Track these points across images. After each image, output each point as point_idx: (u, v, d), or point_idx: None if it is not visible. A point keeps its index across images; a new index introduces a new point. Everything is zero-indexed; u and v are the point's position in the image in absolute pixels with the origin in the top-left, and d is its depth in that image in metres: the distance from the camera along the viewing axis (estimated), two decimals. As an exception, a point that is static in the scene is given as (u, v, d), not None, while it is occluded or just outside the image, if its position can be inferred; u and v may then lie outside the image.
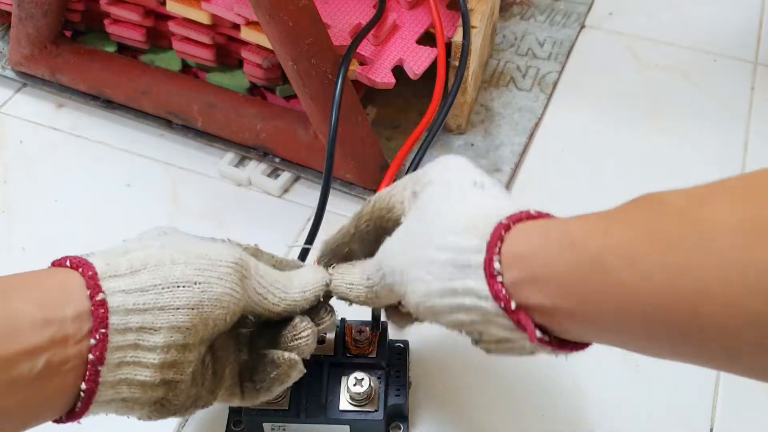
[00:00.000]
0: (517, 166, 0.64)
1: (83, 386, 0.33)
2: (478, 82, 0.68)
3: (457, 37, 0.60)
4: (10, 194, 0.62)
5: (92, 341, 0.33)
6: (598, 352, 0.52)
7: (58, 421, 0.35)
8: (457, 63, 0.61)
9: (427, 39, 0.63)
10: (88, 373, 0.33)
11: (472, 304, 0.33)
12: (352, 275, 0.42)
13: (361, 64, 0.60)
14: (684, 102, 0.70)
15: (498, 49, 0.74)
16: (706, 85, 0.71)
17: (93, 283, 0.34)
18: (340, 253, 0.45)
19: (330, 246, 0.45)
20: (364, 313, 0.48)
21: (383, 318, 0.47)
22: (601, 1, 0.80)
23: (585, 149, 0.66)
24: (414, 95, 0.67)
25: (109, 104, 0.67)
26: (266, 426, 0.46)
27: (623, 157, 0.65)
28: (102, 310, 0.34)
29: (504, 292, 0.32)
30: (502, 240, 0.33)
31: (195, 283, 0.36)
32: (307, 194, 0.62)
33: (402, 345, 0.49)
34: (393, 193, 0.41)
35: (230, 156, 0.64)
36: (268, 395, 0.42)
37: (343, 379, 0.46)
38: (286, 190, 0.62)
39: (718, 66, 0.73)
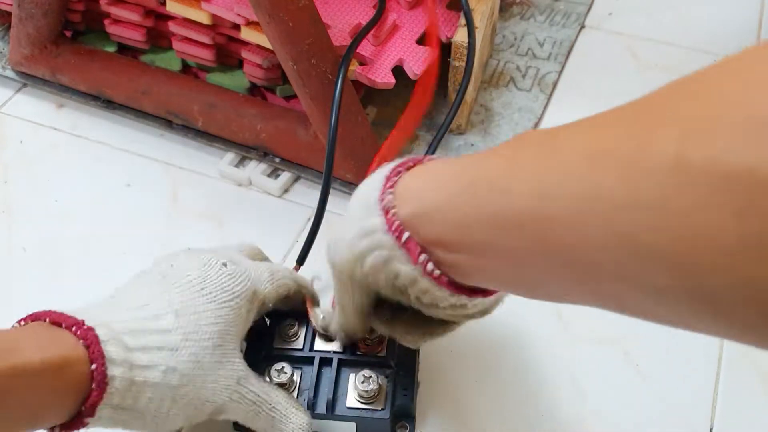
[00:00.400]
0: (517, 166, 0.64)
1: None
2: (477, 83, 0.68)
3: (458, 37, 0.60)
4: (10, 194, 0.62)
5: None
6: (598, 353, 0.52)
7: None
8: (457, 63, 0.61)
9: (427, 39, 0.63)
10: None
11: (377, 239, 0.35)
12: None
13: (361, 64, 0.60)
14: (684, 102, 0.70)
15: (498, 49, 0.74)
16: (706, 85, 0.71)
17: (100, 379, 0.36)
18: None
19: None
20: None
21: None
22: (600, 1, 0.80)
23: (585, 149, 0.66)
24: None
25: (110, 104, 0.67)
26: None
27: (623, 157, 0.65)
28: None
29: (396, 224, 0.34)
30: (396, 179, 0.36)
31: (208, 401, 0.40)
32: (308, 194, 0.62)
33: None
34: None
35: (230, 156, 0.64)
36: None
37: (352, 376, 0.46)
38: (286, 190, 0.62)
39: (717, 66, 0.73)
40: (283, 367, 0.46)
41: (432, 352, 0.52)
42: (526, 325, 0.54)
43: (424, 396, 0.50)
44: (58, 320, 0.38)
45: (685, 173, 0.22)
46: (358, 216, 0.37)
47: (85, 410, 0.36)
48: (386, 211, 0.35)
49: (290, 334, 0.48)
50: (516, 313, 0.54)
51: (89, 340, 0.36)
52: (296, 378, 0.46)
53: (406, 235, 0.34)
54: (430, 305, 0.37)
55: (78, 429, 0.36)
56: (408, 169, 0.36)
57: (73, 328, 0.37)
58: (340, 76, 0.54)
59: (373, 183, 0.37)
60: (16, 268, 0.57)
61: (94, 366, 0.35)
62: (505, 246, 0.30)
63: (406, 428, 0.47)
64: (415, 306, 0.38)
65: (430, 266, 0.34)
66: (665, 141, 0.23)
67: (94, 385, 0.35)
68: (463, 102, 0.63)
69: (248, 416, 0.42)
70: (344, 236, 0.38)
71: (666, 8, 0.79)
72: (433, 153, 0.59)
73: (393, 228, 0.35)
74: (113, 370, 0.36)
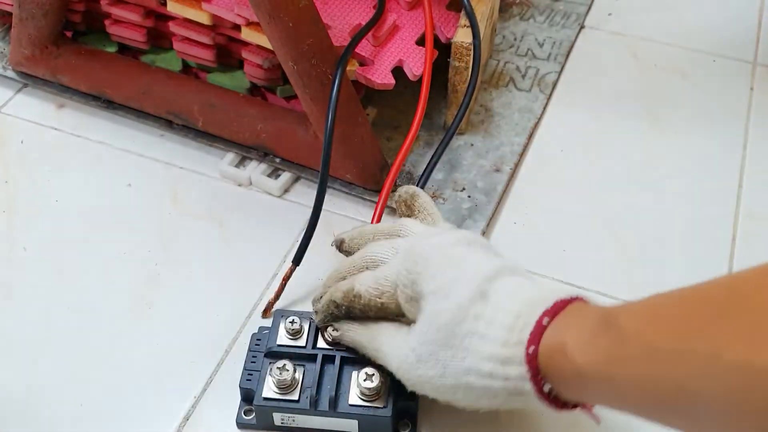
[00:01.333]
0: (517, 166, 0.64)
1: None
2: (477, 83, 0.68)
3: (458, 38, 0.60)
4: (11, 194, 0.62)
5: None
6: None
7: None
8: (457, 63, 0.61)
9: (427, 39, 0.63)
10: None
11: (530, 403, 0.39)
12: (362, 336, 0.47)
13: (361, 64, 0.60)
14: (683, 102, 0.70)
15: (497, 49, 0.74)
16: (706, 86, 0.71)
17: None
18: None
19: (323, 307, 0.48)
20: None
21: None
22: (600, 1, 0.80)
23: (585, 149, 0.66)
24: (414, 96, 0.67)
25: (110, 104, 0.67)
26: (276, 416, 0.47)
27: (623, 157, 0.65)
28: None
29: (557, 401, 0.39)
30: (537, 370, 0.38)
31: None
32: (308, 194, 0.62)
33: None
34: (383, 292, 0.45)
35: (231, 156, 0.64)
36: None
37: (354, 374, 0.46)
38: (286, 190, 0.62)
39: (717, 66, 0.74)
40: (285, 365, 0.46)
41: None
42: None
43: (426, 396, 0.50)
44: None
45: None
46: (498, 390, 0.39)
47: None
48: (540, 391, 0.38)
49: (293, 332, 0.48)
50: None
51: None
52: (298, 375, 0.47)
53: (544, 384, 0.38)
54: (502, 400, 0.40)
55: None
56: (536, 344, 0.38)
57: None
58: (338, 75, 0.54)
59: (506, 367, 0.39)
60: (16, 267, 0.57)
61: None
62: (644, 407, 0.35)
63: (408, 426, 0.47)
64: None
65: (550, 391, 0.38)
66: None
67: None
68: (462, 102, 0.63)
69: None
70: (475, 400, 0.41)
71: (666, 8, 0.79)
72: (438, 158, 0.59)
73: (536, 382, 0.38)
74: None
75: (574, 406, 0.39)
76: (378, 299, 0.45)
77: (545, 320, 0.38)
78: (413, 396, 0.46)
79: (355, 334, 0.46)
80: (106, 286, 0.56)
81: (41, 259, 0.58)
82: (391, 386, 0.46)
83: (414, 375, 0.42)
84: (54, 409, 0.49)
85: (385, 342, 0.44)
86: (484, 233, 0.59)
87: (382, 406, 0.46)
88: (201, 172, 0.64)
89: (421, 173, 0.59)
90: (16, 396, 0.50)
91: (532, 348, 0.37)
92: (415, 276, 0.42)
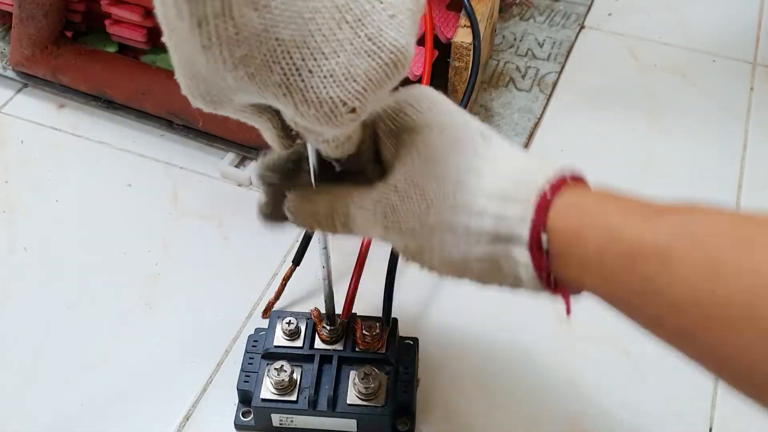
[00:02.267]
0: (517, 166, 0.64)
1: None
2: (477, 83, 0.68)
3: (458, 38, 0.60)
4: (11, 194, 0.62)
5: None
6: (598, 352, 0.52)
7: None
8: (457, 63, 0.61)
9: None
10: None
11: (511, 271, 0.33)
12: (319, 205, 0.38)
13: (362, 64, 0.60)
14: (683, 102, 0.70)
15: (497, 49, 0.74)
16: (706, 86, 0.71)
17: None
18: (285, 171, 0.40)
19: (271, 162, 0.40)
20: (376, 309, 0.49)
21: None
22: (600, 1, 0.80)
23: (584, 149, 0.66)
24: (414, 96, 0.67)
25: (110, 105, 0.67)
26: (274, 417, 0.47)
27: (623, 157, 0.65)
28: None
29: (548, 266, 0.32)
30: (546, 212, 0.32)
31: None
32: (308, 194, 0.62)
33: (411, 342, 0.50)
34: (348, 131, 0.35)
35: (231, 156, 0.64)
36: None
37: (352, 374, 0.47)
38: (286, 190, 0.62)
39: (717, 66, 0.74)
40: (282, 366, 0.46)
41: (432, 350, 0.52)
42: (526, 324, 0.54)
43: (424, 394, 0.50)
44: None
45: None
46: (487, 240, 0.33)
47: None
48: (538, 248, 0.32)
49: (290, 333, 0.48)
50: (516, 312, 0.54)
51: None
52: (296, 376, 0.47)
53: (553, 279, 0.32)
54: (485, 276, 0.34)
55: None
56: (548, 199, 0.32)
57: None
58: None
59: (507, 201, 0.33)
60: (16, 267, 0.57)
61: None
62: (656, 309, 0.30)
63: (407, 425, 0.47)
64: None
65: (547, 251, 0.32)
66: None
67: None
68: (461, 102, 0.63)
69: None
70: (465, 251, 0.33)
71: (666, 8, 0.79)
72: None
73: (542, 269, 0.32)
74: None
75: (560, 290, 0.33)
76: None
77: (568, 179, 0.33)
78: (411, 394, 0.47)
79: (310, 203, 0.38)
80: (106, 287, 0.56)
81: (41, 259, 0.58)
82: (390, 385, 0.46)
83: (396, 220, 0.35)
84: (54, 409, 0.49)
85: (356, 197, 0.37)
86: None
87: (380, 404, 0.46)
88: (201, 172, 0.64)
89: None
90: (16, 396, 0.50)
91: (548, 194, 0.32)
92: (405, 106, 0.36)
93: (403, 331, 0.51)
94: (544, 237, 0.32)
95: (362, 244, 0.51)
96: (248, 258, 0.57)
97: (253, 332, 0.50)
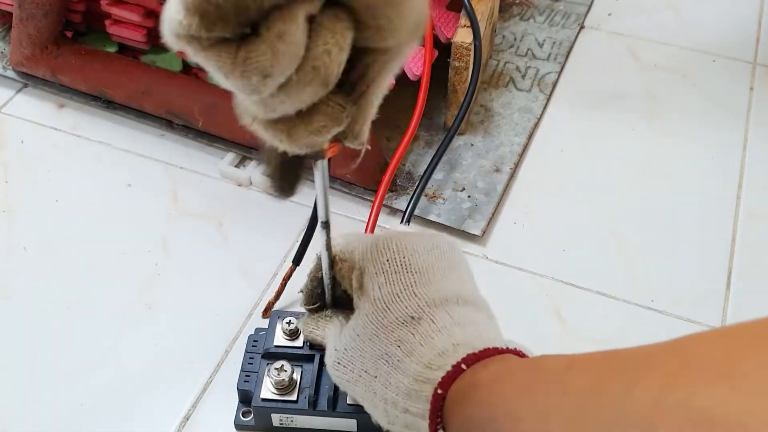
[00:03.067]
0: (517, 166, 0.64)
1: None
2: (478, 83, 0.68)
3: (458, 38, 0.60)
4: (11, 194, 0.62)
5: None
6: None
7: None
8: (457, 63, 0.61)
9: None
10: None
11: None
12: (318, 335, 0.46)
13: (361, 64, 0.60)
14: (683, 102, 0.70)
15: (497, 49, 0.74)
16: (706, 86, 0.71)
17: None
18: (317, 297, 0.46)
19: (306, 295, 0.46)
20: None
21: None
22: (600, 1, 0.80)
23: (584, 149, 0.66)
24: (414, 96, 0.67)
25: (110, 104, 0.67)
26: (274, 417, 0.47)
27: (623, 157, 0.65)
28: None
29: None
30: (440, 414, 0.36)
31: None
32: (308, 194, 0.62)
33: None
34: (344, 268, 0.43)
35: (231, 156, 0.64)
36: None
37: None
38: (286, 190, 0.62)
39: (717, 66, 0.74)
40: (282, 366, 0.46)
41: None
42: (526, 325, 0.54)
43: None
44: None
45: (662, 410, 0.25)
46: (401, 424, 0.38)
47: None
48: (434, 406, 0.36)
49: (290, 333, 0.48)
50: (515, 313, 0.54)
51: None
52: (296, 376, 0.47)
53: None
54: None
55: None
56: (442, 399, 0.36)
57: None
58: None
59: (411, 399, 0.37)
60: (16, 267, 0.57)
61: None
62: None
63: None
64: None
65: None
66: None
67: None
68: (462, 102, 0.63)
69: None
70: (386, 420, 0.39)
71: (665, 9, 0.79)
72: (439, 159, 0.59)
73: (432, 422, 0.36)
74: None
75: None
76: (340, 261, 0.43)
77: (463, 366, 0.36)
78: None
79: (314, 328, 0.46)
80: (106, 287, 0.56)
81: (41, 259, 0.58)
82: None
83: (334, 372, 0.41)
84: (54, 409, 0.49)
85: (329, 333, 0.44)
86: (484, 233, 0.59)
87: None
88: (201, 172, 0.64)
89: (421, 173, 0.59)
90: (16, 396, 0.50)
91: (440, 390, 0.36)
92: (374, 254, 0.41)
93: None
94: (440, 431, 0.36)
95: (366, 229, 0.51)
96: (248, 258, 0.57)
97: (253, 332, 0.50)
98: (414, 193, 0.57)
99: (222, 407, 0.49)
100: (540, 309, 0.55)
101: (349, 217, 0.60)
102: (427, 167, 0.59)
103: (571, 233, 0.60)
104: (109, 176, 0.63)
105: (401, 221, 0.56)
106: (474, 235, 0.58)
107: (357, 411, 0.45)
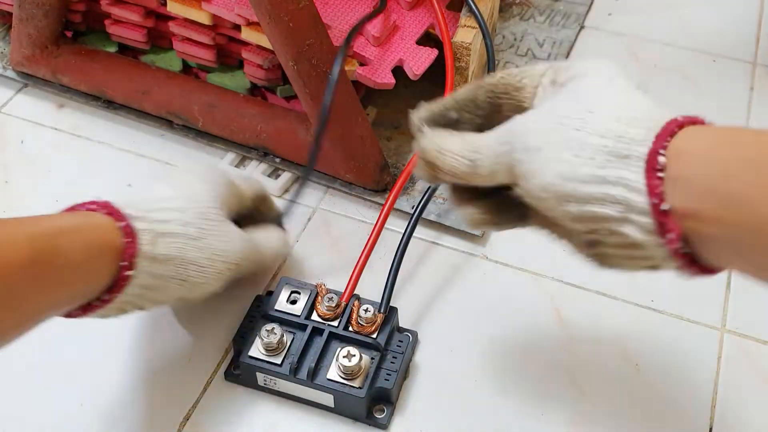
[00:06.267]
0: (517, 166, 0.64)
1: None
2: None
3: (458, 37, 0.60)
4: (11, 194, 0.62)
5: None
6: (597, 352, 0.52)
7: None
8: (457, 63, 0.61)
9: (427, 40, 0.63)
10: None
11: (619, 196, 0.32)
12: (451, 143, 0.39)
13: (361, 64, 0.60)
14: (683, 102, 0.70)
15: (498, 49, 0.74)
16: (706, 86, 0.71)
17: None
18: (442, 120, 0.41)
19: (436, 109, 0.41)
20: (379, 294, 0.50)
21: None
22: (600, 1, 0.80)
23: (584, 149, 0.66)
24: (414, 96, 0.67)
25: (110, 105, 0.67)
26: (259, 376, 0.49)
27: (623, 157, 0.65)
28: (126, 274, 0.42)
29: (661, 188, 0.31)
30: (672, 136, 0.32)
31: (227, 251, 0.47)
32: (308, 194, 0.62)
33: (409, 335, 0.50)
34: (526, 74, 0.39)
35: (231, 156, 0.64)
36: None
37: (338, 351, 0.48)
38: (286, 190, 0.62)
39: (717, 66, 0.74)
40: (273, 328, 0.48)
41: (431, 348, 0.52)
42: (526, 324, 0.54)
43: (420, 391, 0.50)
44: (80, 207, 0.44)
45: None
46: (601, 160, 0.33)
47: (124, 263, 0.41)
48: (653, 169, 0.31)
49: (292, 301, 0.50)
50: (515, 313, 0.54)
51: (110, 209, 0.43)
52: (286, 340, 0.48)
53: (666, 204, 0.31)
54: (609, 245, 0.34)
55: (121, 288, 0.41)
56: (678, 127, 0.32)
57: (93, 206, 0.43)
58: (339, 59, 0.54)
59: (632, 128, 0.33)
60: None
61: (122, 224, 0.42)
62: None
63: (383, 412, 0.48)
64: (578, 239, 0.36)
65: (680, 246, 0.31)
66: None
67: (127, 239, 0.42)
68: (463, 102, 0.63)
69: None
70: (574, 168, 0.33)
71: (666, 8, 0.79)
72: None
73: (655, 192, 0.31)
74: (138, 224, 0.43)
75: (673, 227, 0.31)
76: (521, 78, 0.39)
77: (666, 140, 0.32)
78: (393, 383, 0.47)
79: (448, 142, 0.40)
80: (106, 286, 0.56)
81: (41, 259, 0.58)
82: (372, 370, 0.47)
83: (520, 141, 0.36)
84: (53, 410, 0.49)
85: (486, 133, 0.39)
86: (484, 233, 0.59)
87: (358, 386, 0.47)
88: (201, 172, 0.64)
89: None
90: (16, 396, 0.50)
91: (676, 123, 0.32)
92: (565, 68, 0.38)
93: (406, 323, 0.52)
94: (661, 156, 0.31)
95: (373, 230, 0.52)
96: (248, 258, 0.57)
97: (263, 293, 0.53)
98: (425, 193, 0.56)
99: (223, 407, 0.49)
100: (540, 309, 0.55)
101: (349, 217, 0.60)
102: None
103: (571, 233, 0.60)
104: (109, 176, 0.63)
105: (410, 220, 0.55)
106: (474, 235, 0.58)
107: (334, 387, 0.47)
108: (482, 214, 0.41)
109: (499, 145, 0.38)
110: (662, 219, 0.31)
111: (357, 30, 0.59)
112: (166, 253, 0.43)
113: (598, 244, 0.34)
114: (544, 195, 0.35)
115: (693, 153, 0.31)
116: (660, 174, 0.31)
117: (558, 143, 0.34)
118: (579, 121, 0.34)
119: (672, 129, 0.32)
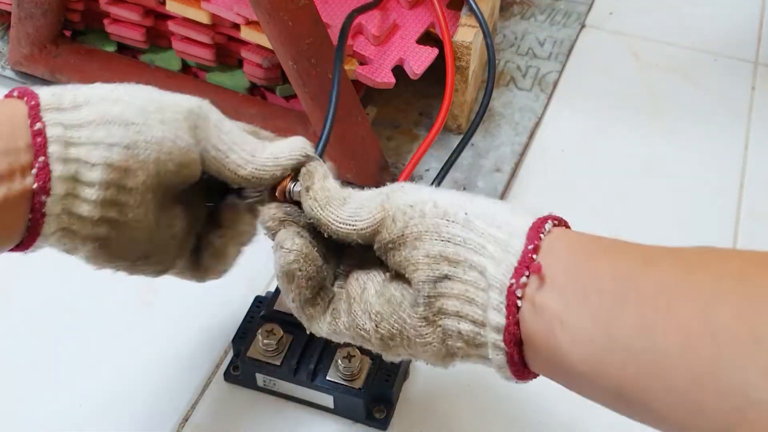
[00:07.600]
0: (517, 165, 0.64)
1: (29, 216, 0.34)
2: (478, 82, 0.68)
3: (458, 37, 0.60)
4: (9, 194, 0.62)
5: (33, 171, 0.33)
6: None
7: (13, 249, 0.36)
8: (457, 62, 0.60)
9: (427, 39, 0.63)
10: (33, 202, 0.34)
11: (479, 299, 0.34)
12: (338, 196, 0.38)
13: (361, 63, 0.60)
14: (684, 102, 0.70)
15: (498, 48, 0.74)
16: (707, 85, 0.71)
17: (34, 113, 0.34)
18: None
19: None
20: None
21: None
22: (601, 1, 0.80)
23: (585, 149, 0.66)
24: (414, 95, 0.67)
25: (109, 104, 0.67)
26: (259, 377, 0.48)
27: (623, 157, 0.65)
28: (39, 139, 0.33)
29: (516, 334, 0.33)
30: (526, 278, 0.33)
31: (132, 123, 0.36)
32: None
33: None
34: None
35: (230, 156, 0.63)
36: (217, 260, 0.44)
37: (338, 352, 0.47)
38: (286, 190, 0.62)
39: (718, 66, 0.73)
40: (273, 329, 0.48)
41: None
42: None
43: (420, 393, 0.50)
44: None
45: None
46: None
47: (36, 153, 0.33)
48: (510, 307, 0.33)
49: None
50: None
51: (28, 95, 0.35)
52: (286, 341, 0.48)
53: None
54: (452, 349, 0.36)
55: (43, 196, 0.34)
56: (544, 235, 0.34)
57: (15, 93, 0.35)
58: (339, 52, 0.54)
59: (502, 243, 0.35)
60: (17, 267, 0.57)
61: (37, 126, 0.34)
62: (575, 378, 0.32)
63: (384, 412, 0.48)
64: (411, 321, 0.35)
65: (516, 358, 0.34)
66: None
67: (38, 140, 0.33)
68: (463, 102, 0.63)
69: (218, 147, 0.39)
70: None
71: (666, 8, 0.79)
72: (452, 164, 0.58)
73: (510, 333, 0.33)
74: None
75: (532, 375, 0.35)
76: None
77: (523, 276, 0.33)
78: (392, 384, 0.47)
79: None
80: (105, 286, 0.55)
81: (41, 258, 0.57)
82: (372, 372, 0.47)
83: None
84: (53, 410, 0.49)
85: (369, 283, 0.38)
86: (484, 233, 0.58)
87: (358, 387, 0.47)
88: (200, 171, 0.64)
89: (420, 173, 0.59)
90: (15, 396, 0.50)
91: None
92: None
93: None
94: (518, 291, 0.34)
95: None
96: (248, 258, 0.57)
97: (263, 293, 0.52)
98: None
99: (222, 407, 0.49)
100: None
101: (349, 217, 0.60)
102: (439, 172, 0.58)
103: (571, 233, 0.59)
104: (108, 176, 0.63)
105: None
106: (474, 235, 0.58)
107: (334, 388, 0.47)
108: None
109: (376, 211, 0.38)
110: (508, 347, 0.34)
111: (351, 21, 0.58)
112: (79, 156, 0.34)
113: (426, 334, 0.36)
114: (410, 263, 0.36)
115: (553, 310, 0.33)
116: (518, 303, 0.33)
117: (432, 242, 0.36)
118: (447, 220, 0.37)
119: (530, 256, 0.34)
